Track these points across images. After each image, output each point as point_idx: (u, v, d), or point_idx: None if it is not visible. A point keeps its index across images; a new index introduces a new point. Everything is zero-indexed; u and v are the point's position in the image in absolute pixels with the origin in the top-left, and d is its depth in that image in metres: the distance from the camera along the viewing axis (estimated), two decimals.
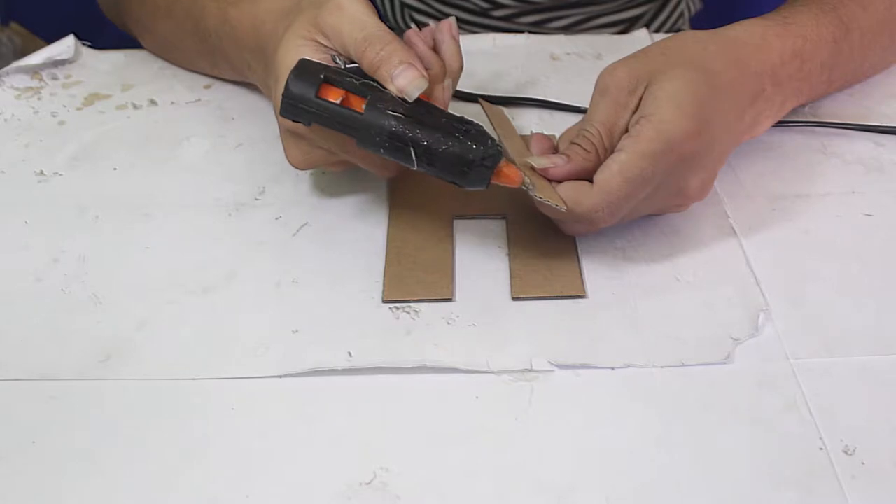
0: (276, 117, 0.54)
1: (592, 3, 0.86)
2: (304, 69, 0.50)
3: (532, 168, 0.52)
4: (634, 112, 0.51)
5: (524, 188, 0.50)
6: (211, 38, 0.64)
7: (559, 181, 0.51)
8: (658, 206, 0.54)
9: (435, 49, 0.56)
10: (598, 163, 0.51)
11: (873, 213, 0.58)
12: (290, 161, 0.56)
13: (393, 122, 0.48)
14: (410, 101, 0.49)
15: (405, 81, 0.49)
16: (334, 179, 0.61)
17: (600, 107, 0.52)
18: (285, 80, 0.49)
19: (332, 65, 0.52)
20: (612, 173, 0.50)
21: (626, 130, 0.51)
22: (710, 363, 0.49)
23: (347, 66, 0.52)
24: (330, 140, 0.52)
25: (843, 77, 0.65)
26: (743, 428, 0.46)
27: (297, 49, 0.52)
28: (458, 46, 0.56)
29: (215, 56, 0.66)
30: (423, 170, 0.49)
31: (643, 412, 0.46)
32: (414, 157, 0.48)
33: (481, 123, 0.51)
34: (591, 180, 0.51)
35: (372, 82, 0.50)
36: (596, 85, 0.53)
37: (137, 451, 0.45)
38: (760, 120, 0.58)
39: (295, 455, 0.45)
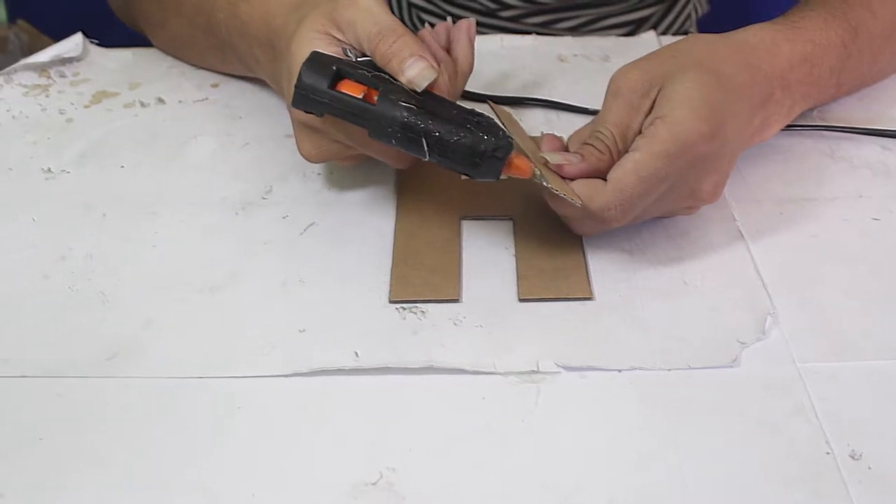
0: (289, 110, 0.54)
1: (600, 4, 0.86)
2: (316, 61, 0.50)
3: (546, 164, 0.52)
4: (647, 115, 0.52)
5: (535, 179, 0.50)
6: (221, 32, 0.65)
7: (572, 179, 0.52)
8: (669, 207, 0.54)
9: (448, 48, 0.56)
10: (612, 164, 0.51)
11: (881, 217, 0.58)
12: (302, 154, 0.56)
13: (405, 114, 0.48)
14: (419, 91, 0.50)
15: (414, 72, 0.49)
16: (341, 179, 0.61)
17: (613, 109, 0.52)
18: (297, 72, 0.49)
19: (344, 58, 0.52)
20: (626, 171, 0.50)
21: (639, 133, 0.51)
22: (717, 366, 0.49)
23: (359, 59, 0.52)
24: (343, 132, 0.53)
25: (852, 81, 0.65)
26: (749, 431, 0.45)
27: (310, 42, 0.52)
28: (472, 48, 0.56)
29: (225, 50, 0.66)
30: (435, 160, 0.49)
31: (649, 414, 0.46)
32: (426, 148, 0.49)
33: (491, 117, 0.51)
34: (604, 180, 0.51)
35: (384, 75, 0.51)
36: (608, 87, 0.53)
37: (143, 450, 0.45)
38: (769, 124, 0.58)
39: (301, 455, 0.45)
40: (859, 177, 0.62)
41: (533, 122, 0.67)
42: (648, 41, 0.76)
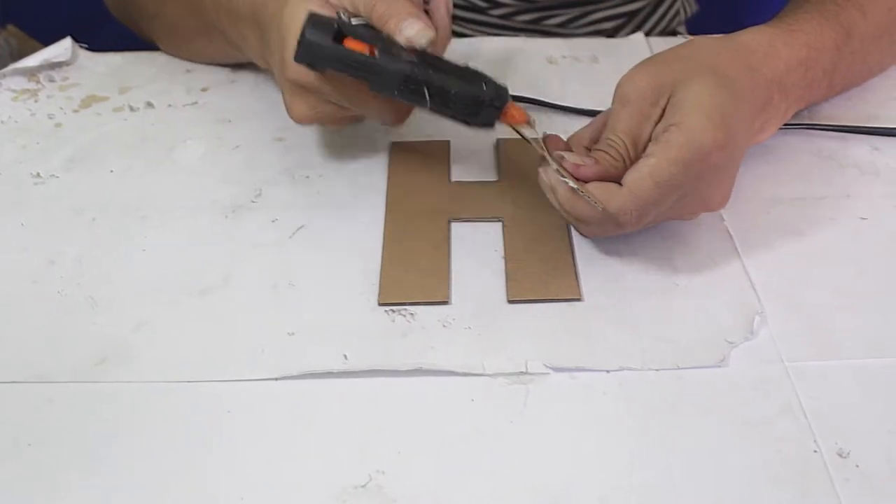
0: (280, 74, 0.55)
1: (588, 1, 0.86)
2: (316, 19, 0.51)
3: (562, 163, 0.51)
4: (657, 122, 0.51)
5: (528, 126, 0.52)
6: (208, 13, 0.65)
7: (585, 181, 0.51)
8: (679, 213, 0.54)
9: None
10: (624, 171, 0.51)
11: (868, 216, 0.58)
12: (293, 117, 0.57)
13: (407, 66, 0.50)
14: (419, 49, 0.51)
15: (413, 31, 0.51)
16: (331, 181, 0.61)
17: (622, 117, 0.52)
18: (293, 36, 0.51)
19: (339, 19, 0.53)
20: (641, 176, 0.49)
21: (650, 140, 0.51)
22: (706, 366, 0.49)
23: (352, 20, 0.54)
24: (339, 91, 0.54)
25: (843, 82, 0.65)
26: (737, 430, 0.46)
27: (304, 6, 0.53)
28: (449, 18, 0.58)
29: (211, 32, 0.67)
30: (436, 110, 0.52)
31: (638, 415, 0.46)
32: (427, 98, 0.51)
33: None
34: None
35: (380, 34, 0.52)
36: (616, 93, 0.53)
37: (133, 454, 0.45)
38: (766, 127, 0.57)
39: (290, 458, 0.45)
40: (847, 176, 0.62)
41: None
42: (637, 43, 0.76)
